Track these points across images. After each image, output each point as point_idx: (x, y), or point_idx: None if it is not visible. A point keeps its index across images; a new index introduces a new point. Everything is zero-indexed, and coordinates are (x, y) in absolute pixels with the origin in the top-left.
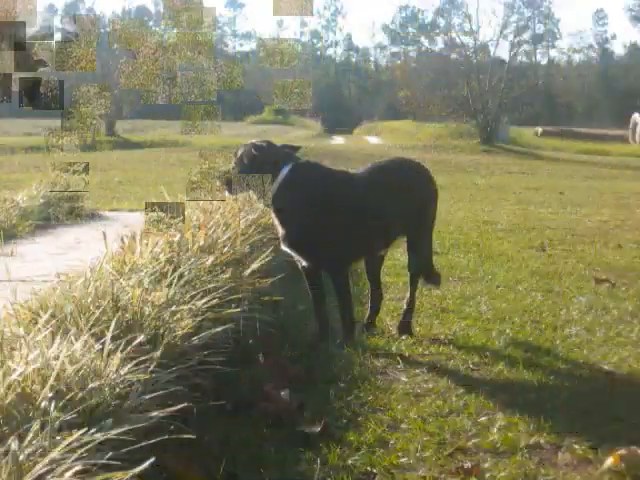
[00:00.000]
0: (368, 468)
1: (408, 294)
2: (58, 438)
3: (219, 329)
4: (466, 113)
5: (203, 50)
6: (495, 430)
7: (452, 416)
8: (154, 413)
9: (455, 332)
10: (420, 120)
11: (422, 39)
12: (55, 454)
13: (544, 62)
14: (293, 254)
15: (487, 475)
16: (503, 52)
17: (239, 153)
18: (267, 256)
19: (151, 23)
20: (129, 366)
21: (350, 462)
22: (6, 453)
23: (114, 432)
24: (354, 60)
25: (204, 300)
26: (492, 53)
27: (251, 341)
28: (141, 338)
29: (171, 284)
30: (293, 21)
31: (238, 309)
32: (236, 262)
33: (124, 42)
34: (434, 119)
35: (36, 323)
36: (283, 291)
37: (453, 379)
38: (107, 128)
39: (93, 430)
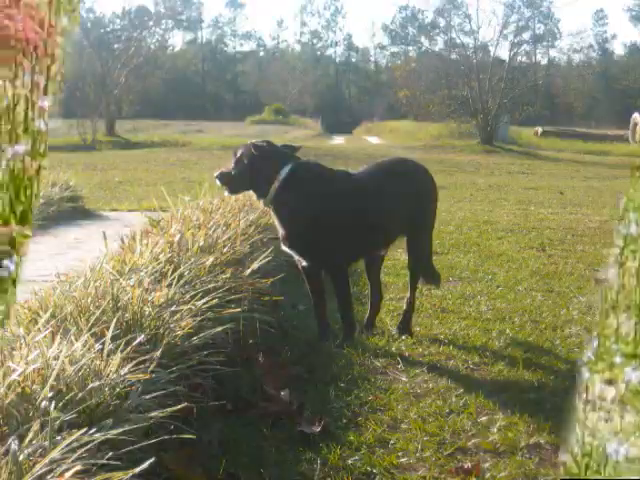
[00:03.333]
0: (368, 468)
1: (408, 294)
2: (58, 438)
3: (219, 329)
4: (466, 113)
5: None
6: (495, 430)
7: (452, 416)
8: (154, 413)
9: (455, 332)
10: (420, 120)
11: (422, 39)
12: (55, 454)
13: (544, 62)
14: (293, 254)
15: (487, 475)
16: (503, 52)
17: (239, 153)
18: (267, 256)
19: (151, 23)
20: (129, 366)
21: (350, 462)
22: (6, 453)
23: (114, 432)
24: (354, 60)
25: (204, 300)
26: (492, 53)
27: (251, 341)
28: (141, 338)
29: (171, 284)
30: (293, 21)
31: (238, 309)
32: (236, 262)
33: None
34: (434, 119)
35: (36, 323)
36: (283, 291)
37: (453, 379)
38: (107, 128)
39: (93, 430)
